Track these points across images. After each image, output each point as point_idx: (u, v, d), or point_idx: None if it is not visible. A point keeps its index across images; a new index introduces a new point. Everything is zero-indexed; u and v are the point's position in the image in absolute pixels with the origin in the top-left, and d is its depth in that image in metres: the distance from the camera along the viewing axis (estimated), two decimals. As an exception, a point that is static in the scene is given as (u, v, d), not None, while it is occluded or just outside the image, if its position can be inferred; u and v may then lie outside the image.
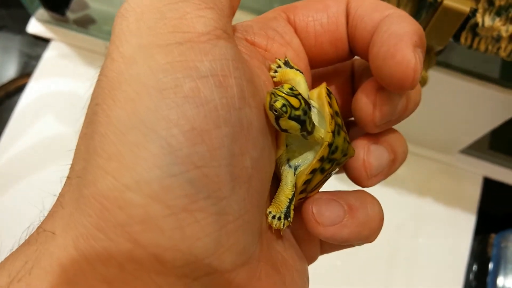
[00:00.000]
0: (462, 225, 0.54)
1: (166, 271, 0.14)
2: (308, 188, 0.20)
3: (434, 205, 0.55)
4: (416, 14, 0.32)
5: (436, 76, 0.40)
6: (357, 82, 0.22)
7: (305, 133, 0.18)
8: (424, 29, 0.32)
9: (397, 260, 0.52)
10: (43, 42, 0.58)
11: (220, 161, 0.14)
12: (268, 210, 0.19)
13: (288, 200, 0.19)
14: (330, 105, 0.19)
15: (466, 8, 0.29)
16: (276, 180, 0.20)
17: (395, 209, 0.53)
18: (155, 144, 0.13)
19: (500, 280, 0.48)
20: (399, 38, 0.17)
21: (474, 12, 0.30)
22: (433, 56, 0.34)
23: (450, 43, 0.33)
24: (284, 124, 0.18)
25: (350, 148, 0.20)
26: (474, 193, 0.55)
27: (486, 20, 0.30)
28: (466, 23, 0.30)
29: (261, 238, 0.18)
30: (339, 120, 0.20)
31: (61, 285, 0.13)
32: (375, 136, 0.20)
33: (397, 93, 0.18)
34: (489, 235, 0.52)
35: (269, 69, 0.19)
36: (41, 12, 0.57)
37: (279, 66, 0.19)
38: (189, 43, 0.14)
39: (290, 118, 0.18)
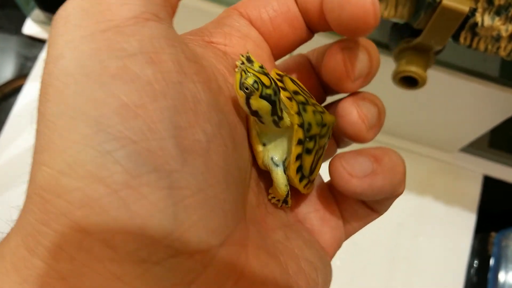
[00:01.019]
0: (463, 224, 0.54)
1: (120, 258, 0.13)
2: (305, 173, 0.20)
3: (434, 203, 0.55)
4: (414, 13, 0.31)
5: (436, 75, 0.40)
6: (317, 68, 0.23)
7: (276, 117, 0.18)
8: (423, 29, 0.31)
9: (397, 259, 0.52)
10: (39, 43, 0.58)
11: (163, 133, 0.13)
12: (270, 194, 0.20)
13: (285, 196, 0.19)
14: (285, 88, 0.19)
15: (465, 7, 0.28)
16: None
17: (395, 208, 0.52)
18: (85, 124, 0.13)
19: (501, 278, 0.48)
20: None
21: (473, 11, 0.29)
22: (432, 56, 0.34)
23: (449, 42, 0.32)
24: (255, 104, 0.17)
25: (326, 116, 0.20)
26: (474, 191, 0.55)
27: (485, 19, 0.29)
28: (465, 22, 0.30)
29: (245, 223, 0.17)
30: (301, 98, 0.19)
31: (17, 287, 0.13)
32: (355, 95, 0.21)
33: (364, 34, 0.19)
34: (490, 234, 0.51)
35: (235, 66, 0.19)
36: (37, 13, 0.56)
37: (242, 63, 0.19)
38: (115, 28, 0.14)
39: (261, 97, 0.17)
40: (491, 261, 0.49)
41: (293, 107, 0.19)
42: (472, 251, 0.52)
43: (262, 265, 0.16)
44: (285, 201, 0.20)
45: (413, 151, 0.56)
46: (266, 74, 0.18)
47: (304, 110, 0.19)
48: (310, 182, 0.21)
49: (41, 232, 0.13)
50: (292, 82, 0.20)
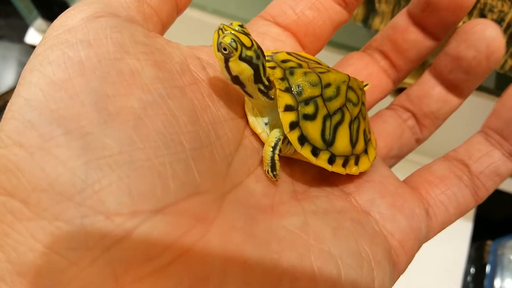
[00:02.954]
0: (459, 232, 0.54)
1: (34, 216, 0.13)
2: (317, 144, 0.17)
3: (431, 212, 0.55)
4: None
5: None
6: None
7: (261, 86, 0.16)
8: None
9: (395, 267, 0.52)
10: (42, 51, 0.59)
11: (83, 100, 0.14)
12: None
13: (271, 149, 0.17)
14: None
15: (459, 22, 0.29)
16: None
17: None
18: (15, 103, 0.14)
19: (496, 286, 0.48)
20: None
21: (468, 26, 0.30)
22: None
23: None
24: (234, 68, 0.16)
25: (329, 75, 0.18)
26: (471, 200, 0.55)
27: (479, 34, 0.30)
28: (460, 37, 0.31)
29: (215, 200, 0.16)
30: (291, 64, 0.18)
31: None
32: None
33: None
34: (486, 242, 0.52)
35: None
36: (40, 22, 0.57)
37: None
38: (67, 30, 0.16)
39: (241, 59, 0.16)
40: (487, 269, 0.50)
41: (275, 73, 0.17)
42: (468, 259, 0.53)
43: (228, 243, 0.15)
44: (273, 168, 0.17)
45: (411, 160, 0.56)
46: (247, 34, 0.16)
47: (291, 73, 0.17)
48: (338, 156, 0.18)
49: None
50: (289, 54, 0.18)
